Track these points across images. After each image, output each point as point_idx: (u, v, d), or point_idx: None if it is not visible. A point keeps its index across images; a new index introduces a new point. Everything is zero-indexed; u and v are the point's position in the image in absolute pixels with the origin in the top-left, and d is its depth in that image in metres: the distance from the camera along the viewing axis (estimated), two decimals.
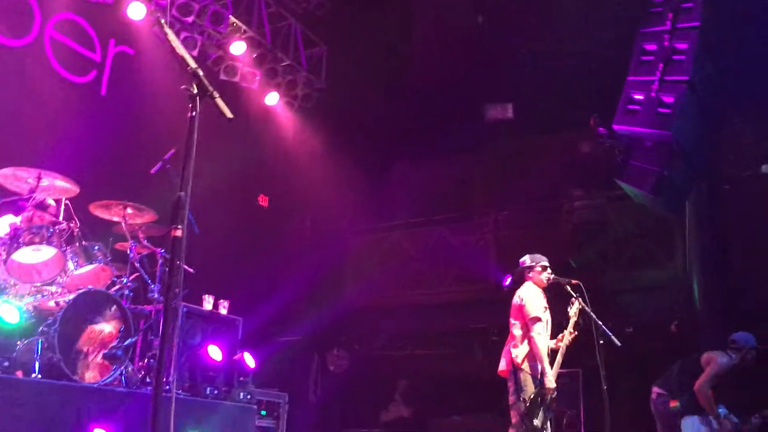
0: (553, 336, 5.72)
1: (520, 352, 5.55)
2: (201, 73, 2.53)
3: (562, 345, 5.57)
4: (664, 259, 8.27)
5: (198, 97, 2.46)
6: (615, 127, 6.44)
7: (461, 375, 7.96)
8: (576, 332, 5.58)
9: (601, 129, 6.73)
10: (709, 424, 5.77)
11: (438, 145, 10.09)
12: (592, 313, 5.54)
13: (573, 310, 5.57)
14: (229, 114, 2.53)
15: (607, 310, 5.68)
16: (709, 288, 7.65)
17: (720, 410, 5.87)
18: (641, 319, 7.78)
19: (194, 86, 2.46)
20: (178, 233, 2.32)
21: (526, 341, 5.54)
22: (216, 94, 2.47)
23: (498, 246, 9.45)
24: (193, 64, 2.51)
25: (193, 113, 2.42)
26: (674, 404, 5.90)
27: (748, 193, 7.90)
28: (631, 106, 6.28)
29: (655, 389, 6.17)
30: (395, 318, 10.16)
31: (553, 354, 5.62)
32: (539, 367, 5.42)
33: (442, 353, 9.78)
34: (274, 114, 9.90)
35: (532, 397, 5.35)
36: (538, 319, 5.50)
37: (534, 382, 5.43)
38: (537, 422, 5.31)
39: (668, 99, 6.15)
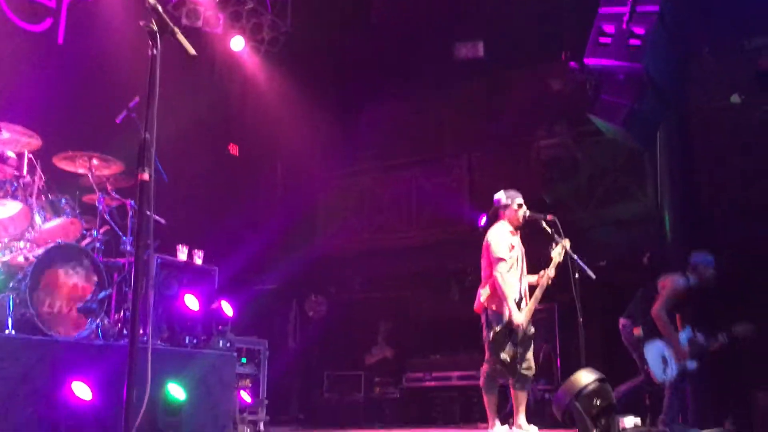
0: (532, 272, 5.78)
1: (485, 291, 5.67)
2: (160, 8, 2.41)
3: (542, 283, 5.61)
4: (636, 193, 8.33)
5: (158, 35, 2.36)
6: (586, 60, 6.38)
7: (439, 315, 8.06)
8: (554, 275, 5.62)
9: (572, 63, 6.66)
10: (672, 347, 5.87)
11: (408, 86, 9.96)
12: (568, 248, 5.58)
13: (556, 251, 5.58)
14: (192, 51, 2.42)
15: (580, 245, 5.72)
16: (679, 220, 7.74)
17: (684, 333, 5.96)
18: (614, 253, 7.87)
19: (154, 23, 2.35)
20: (145, 177, 2.24)
21: (490, 281, 5.63)
22: (177, 30, 2.37)
23: (471, 186, 9.45)
24: None
25: (154, 51, 2.32)
26: (637, 332, 6.00)
27: (717, 125, 7.95)
28: (602, 39, 6.21)
29: (622, 320, 6.27)
30: (371, 262, 10.18)
31: (530, 290, 5.68)
32: (505, 305, 5.49)
33: (419, 295, 9.86)
34: (241, 59, 9.67)
35: (498, 331, 5.44)
36: (502, 260, 5.57)
37: (500, 319, 5.51)
38: (504, 356, 5.40)
39: (639, 31, 6.09)
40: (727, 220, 7.73)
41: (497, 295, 5.55)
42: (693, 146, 7.92)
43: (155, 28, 2.32)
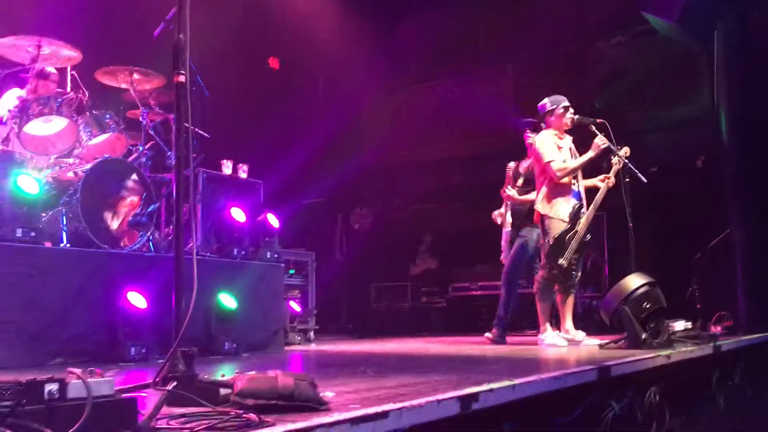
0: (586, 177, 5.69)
1: (539, 197, 5.63)
2: None
3: (602, 189, 5.49)
4: (690, 95, 7.98)
5: None
6: None
7: (484, 226, 7.97)
8: (615, 181, 5.49)
9: None
10: None
11: None
12: (618, 152, 5.42)
13: (616, 158, 5.43)
14: None
15: (631, 149, 5.54)
16: (737, 123, 7.42)
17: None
18: (667, 158, 7.62)
19: None
20: (181, 78, 2.19)
21: (544, 187, 5.54)
22: None
23: (516, 95, 9.19)
24: None
25: None
26: None
27: None
28: None
29: None
30: (414, 174, 10.13)
31: (589, 194, 5.59)
32: (561, 204, 5.44)
33: (463, 206, 9.80)
34: None
35: (557, 236, 5.40)
36: (553, 161, 5.47)
37: (557, 225, 5.45)
38: (562, 261, 5.37)
39: None
40: None
41: (551, 201, 5.48)
42: (753, 44, 7.47)
43: None
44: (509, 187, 6.23)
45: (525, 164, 6.17)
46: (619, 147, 5.48)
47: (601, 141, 5.41)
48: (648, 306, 4.69)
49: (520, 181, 6.18)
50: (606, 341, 4.92)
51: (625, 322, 4.69)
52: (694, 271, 6.85)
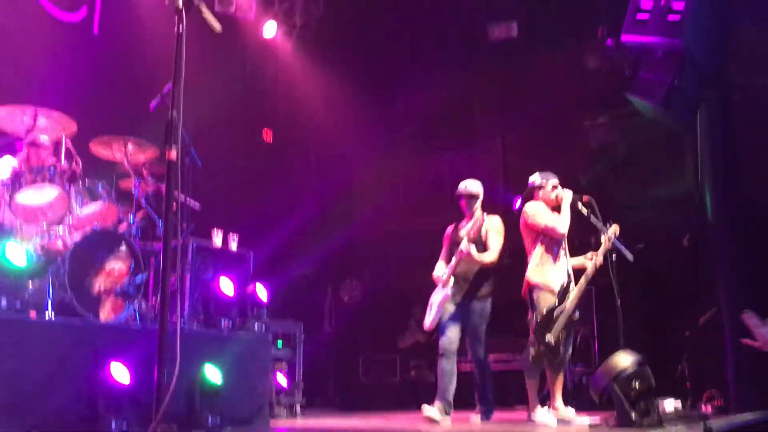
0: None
1: (532, 264, 5.64)
2: None
3: (587, 272, 5.49)
4: (675, 174, 8.14)
5: (184, 11, 2.35)
6: (623, 38, 6.24)
7: None
8: (602, 261, 5.52)
9: (608, 41, 6.51)
10: None
11: (441, 68, 9.85)
12: (607, 231, 5.48)
13: (605, 237, 5.47)
14: (217, 26, 2.42)
15: (617, 226, 5.61)
16: (721, 201, 7.53)
17: None
18: (653, 235, 7.71)
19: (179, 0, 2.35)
20: (173, 155, 2.24)
21: (537, 253, 5.56)
22: (203, 6, 2.36)
23: (505, 168, 9.34)
24: None
25: (180, 29, 2.31)
26: None
27: (760, 102, 7.69)
28: (639, 15, 6.07)
29: None
30: (405, 245, 10.14)
31: (577, 273, 5.60)
32: (553, 273, 5.49)
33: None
34: (273, 45, 9.68)
35: (545, 312, 5.39)
36: (555, 223, 5.54)
37: (547, 298, 5.45)
38: (549, 337, 5.35)
39: (678, 6, 5.93)
40: None
41: (543, 271, 5.49)
42: (735, 125, 7.67)
43: (180, 5, 2.32)
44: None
45: (467, 227, 5.93)
46: (608, 225, 5.54)
47: (611, 234, 5.49)
48: (637, 385, 4.66)
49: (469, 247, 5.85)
50: (595, 420, 4.86)
51: (615, 401, 4.65)
52: (684, 348, 6.84)
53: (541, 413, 5.44)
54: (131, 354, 4.32)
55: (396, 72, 10.26)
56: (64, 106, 5.34)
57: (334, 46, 9.79)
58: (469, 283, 5.81)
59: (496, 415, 5.90)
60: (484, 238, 5.83)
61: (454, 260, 5.74)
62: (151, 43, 7.27)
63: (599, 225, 5.53)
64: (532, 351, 5.49)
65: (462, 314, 5.77)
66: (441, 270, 5.93)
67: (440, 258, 6.08)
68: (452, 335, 5.73)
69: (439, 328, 5.81)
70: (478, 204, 5.99)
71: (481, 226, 5.78)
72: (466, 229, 5.82)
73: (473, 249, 5.65)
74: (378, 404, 8.59)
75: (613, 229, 5.53)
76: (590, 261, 5.53)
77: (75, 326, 4.42)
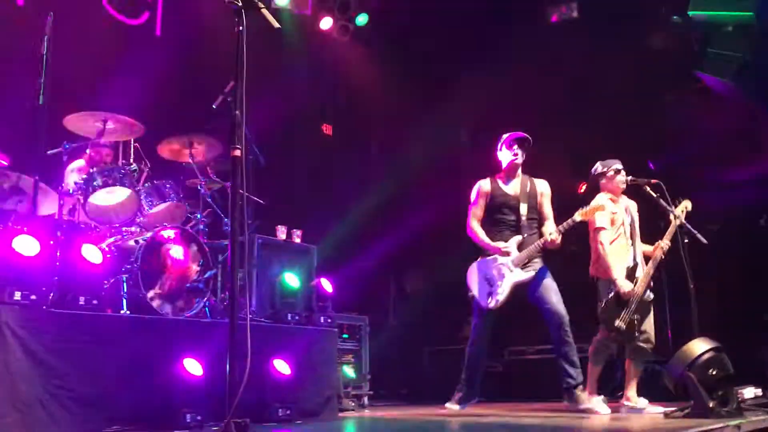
0: (646, 241, 5.57)
1: (594, 258, 5.56)
2: None
3: (655, 255, 5.36)
4: (750, 154, 7.80)
5: (243, 10, 2.37)
6: (690, 13, 6.01)
7: None
8: (670, 244, 5.37)
9: (675, 17, 6.29)
10: None
11: (500, 56, 9.68)
12: (675, 212, 5.33)
13: (679, 210, 5.32)
14: (276, 24, 2.43)
15: (691, 209, 5.42)
16: None
17: None
18: (729, 217, 7.42)
19: None
20: (237, 153, 2.27)
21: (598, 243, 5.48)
22: (261, 5, 2.37)
23: (571, 155, 9.12)
24: None
25: (240, 27, 2.33)
26: None
27: None
28: None
29: None
30: (467, 235, 10.04)
31: (646, 259, 5.47)
32: (609, 273, 5.32)
33: None
34: (331, 40, 9.72)
35: (608, 300, 5.28)
36: (602, 229, 5.41)
37: (607, 287, 5.35)
38: (619, 323, 5.23)
39: None
40: None
41: (602, 265, 5.40)
42: None
43: (240, 4, 2.34)
44: None
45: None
46: (678, 201, 5.39)
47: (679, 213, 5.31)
48: (714, 372, 4.50)
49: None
50: (671, 409, 4.71)
51: (691, 390, 4.50)
52: (763, 333, 6.56)
53: (596, 402, 5.31)
54: (203, 348, 4.42)
55: (455, 61, 10.14)
56: (131, 110, 5.48)
57: (390, 39, 9.76)
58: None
59: (549, 405, 5.76)
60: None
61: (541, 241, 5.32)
62: (213, 42, 7.41)
63: (668, 208, 5.38)
64: (599, 337, 5.41)
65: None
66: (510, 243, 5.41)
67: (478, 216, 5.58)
68: None
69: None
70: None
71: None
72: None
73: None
74: (444, 395, 8.56)
75: (683, 206, 5.37)
76: (658, 251, 5.39)
77: (148, 322, 4.54)
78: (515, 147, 5.46)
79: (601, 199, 5.57)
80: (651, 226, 5.66)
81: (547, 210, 5.45)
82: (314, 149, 9.59)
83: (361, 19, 9.70)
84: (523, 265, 5.28)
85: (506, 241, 5.43)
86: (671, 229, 5.35)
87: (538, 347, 8.59)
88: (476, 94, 9.93)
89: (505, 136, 5.53)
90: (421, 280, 10.36)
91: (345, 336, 7.17)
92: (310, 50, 9.63)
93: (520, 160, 5.46)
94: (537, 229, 5.42)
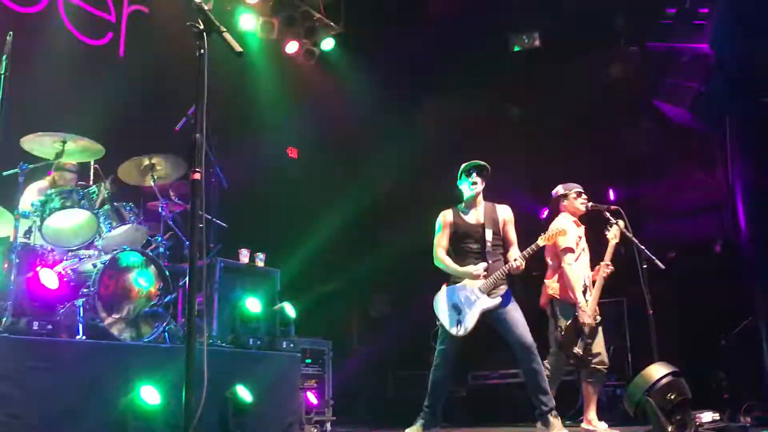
0: (594, 266, 5.65)
1: (553, 283, 5.60)
2: (206, 8, 2.42)
3: (599, 277, 5.47)
4: (705, 180, 8.00)
5: (205, 33, 2.36)
6: (649, 44, 6.18)
7: None
8: (612, 266, 5.47)
9: (633, 48, 6.46)
10: None
11: (464, 80, 9.82)
12: (633, 238, 5.42)
13: (612, 233, 5.45)
14: (238, 48, 2.42)
15: (648, 236, 5.53)
16: (753, 206, 7.40)
17: None
18: (685, 243, 7.57)
19: (200, 22, 2.36)
20: (197, 176, 2.25)
21: (558, 266, 5.54)
22: (223, 29, 2.37)
23: (532, 179, 9.25)
24: None
25: (202, 51, 2.32)
26: None
27: None
28: (664, 21, 6.02)
29: None
30: (432, 260, 10.06)
31: (593, 282, 5.55)
32: (573, 296, 5.38)
33: None
34: (296, 63, 9.75)
35: (568, 325, 5.33)
36: (570, 250, 5.47)
37: (569, 311, 5.40)
38: (577, 349, 5.28)
39: (703, 9, 5.87)
40: None
41: (566, 287, 5.45)
42: (765, 127, 7.54)
43: (201, 27, 2.33)
44: None
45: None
46: (610, 224, 5.50)
47: (613, 236, 5.42)
48: (673, 397, 4.56)
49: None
50: None
51: (650, 414, 4.55)
52: (720, 358, 6.68)
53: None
54: (161, 374, 4.33)
55: (419, 87, 10.26)
56: (92, 131, 5.40)
57: (356, 62, 9.83)
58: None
59: (512, 429, 5.77)
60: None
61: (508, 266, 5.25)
62: (174, 64, 7.37)
63: (627, 234, 5.48)
64: (552, 361, 5.46)
65: None
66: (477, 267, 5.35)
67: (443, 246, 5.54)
68: None
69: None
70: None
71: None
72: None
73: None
74: (408, 420, 8.51)
75: (614, 231, 5.48)
76: (596, 275, 5.50)
77: (105, 348, 4.45)
78: (474, 175, 5.45)
79: (563, 220, 5.63)
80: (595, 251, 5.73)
81: (511, 235, 5.48)
82: (279, 172, 9.55)
83: (327, 45, 9.76)
84: (489, 292, 5.29)
85: None
86: (610, 246, 5.45)
87: (501, 371, 8.61)
88: (439, 120, 10.05)
89: (463, 165, 5.55)
90: (386, 305, 10.33)
91: (308, 361, 7.10)
92: (275, 73, 9.63)
93: (480, 188, 5.46)
94: (501, 255, 5.43)
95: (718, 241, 7.56)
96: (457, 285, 5.39)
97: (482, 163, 5.49)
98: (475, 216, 5.48)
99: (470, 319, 5.26)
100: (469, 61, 9.61)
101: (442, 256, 5.51)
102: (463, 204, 5.56)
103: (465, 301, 5.33)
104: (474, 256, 5.38)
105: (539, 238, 5.25)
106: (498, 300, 5.25)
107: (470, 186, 5.44)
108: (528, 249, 5.25)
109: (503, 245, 5.46)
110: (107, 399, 4.17)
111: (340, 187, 10.66)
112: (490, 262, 5.32)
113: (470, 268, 5.33)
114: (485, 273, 5.26)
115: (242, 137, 8.50)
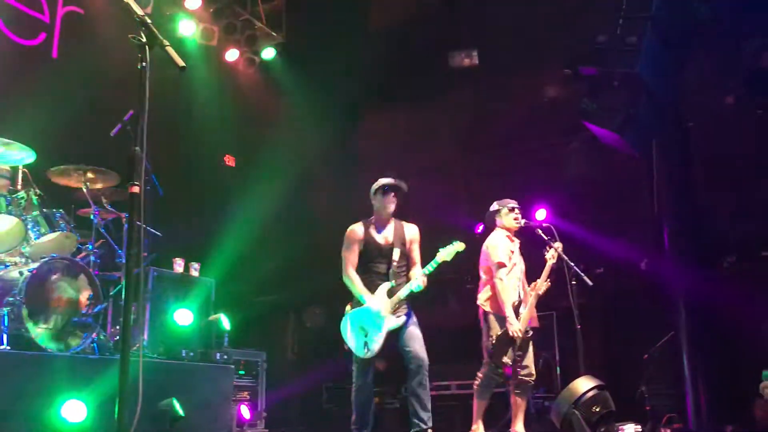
0: (530, 281, 5.79)
1: (484, 295, 5.71)
2: (149, 21, 2.41)
3: (534, 293, 5.62)
4: (632, 199, 8.31)
5: (147, 47, 2.34)
6: (580, 68, 6.41)
7: (437, 324, 7.99)
8: (550, 282, 5.63)
9: (566, 71, 6.68)
10: None
11: (404, 94, 9.94)
12: (564, 255, 5.59)
13: (550, 254, 5.61)
14: (180, 63, 2.41)
15: (577, 252, 5.72)
16: (677, 225, 7.73)
17: None
18: (612, 260, 7.84)
19: (142, 35, 2.34)
20: (135, 189, 2.23)
21: (489, 285, 5.65)
22: (166, 43, 2.36)
23: (468, 194, 9.43)
24: (140, 11, 2.38)
25: (143, 64, 2.31)
26: None
27: (713, 128, 7.93)
28: (596, 46, 6.26)
29: None
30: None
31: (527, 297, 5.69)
32: (504, 311, 5.50)
33: (416, 303, 9.80)
34: (236, 72, 9.68)
35: (499, 335, 5.45)
36: (502, 264, 5.59)
37: (501, 323, 5.53)
38: (506, 360, 5.40)
39: (632, 36, 6.13)
40: (725, 223, 7.71)
41: (497, 300, 5.56)
42: (690, 151, 7.90)
43: (144, 40, 2.31)
44: None
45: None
46: (549, 245, 5.67)
47: (551, 257, 5.58)
48: (598, 409, 4.73)
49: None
50: None
51: (576, 426, 4.70)
52: (642, 372, 6.94)
53: None
54: (89, 388, 4.23)
55: (359, 99, 10.32)
56: (22, 135, 5.24)
57: (297, 72, 9.83)
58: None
59: None
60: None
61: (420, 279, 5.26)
62: (110, 69, 7.22)
63: (561, 253, 5.65)
64: (484, 372, 5.57)
65: None
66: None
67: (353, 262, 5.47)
68: None
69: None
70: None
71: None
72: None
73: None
74: None
75: (555, 247, 5.66)
76: (532, 291, 5.65)
77: (30, 359, 4.31)
78: (388, 194, 5.45)
79: (498, 236, 5.77)
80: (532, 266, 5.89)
81: (416, 255, 5.48)
82: (216, 180, 9.44)
83: (268, 54, 9.72)
84: (394, 311, 5.33)
85: (377, 288, 5.40)
86: (547, 266, 5.62)
87: (434, 383, 8.69)
88: (378, 133, 10.13)
89: (379, 181, 5.56)
90: (321, 316, 10.30)
91: (241, 372, 7.03)
92: (214, 80, 9.54)
93: (391, 208, 5.44)
94: (405, 274, 5.47)
95: (643, 259, 7.85)
96: (363, 307, 5.40)
97: (396, 182, 5.47)
98: (385, 235, 5.47)
99: (378, 340, 5.28)
100: (411, 75, 9.74)
101: (352, 276, 5.47)
102: (374, 219, 5.53)
103: (371, 322, 5.34)
104: (379, 277, 5.39)
105: (438, 254, 5.29)
106: (403, 319, 5.30)
107: (384, 204, 5.41)
108: (427, 266, 5.28)
109: (407, 264, 5.48)
110: (32, 412, 4.04)
111: (278, 196, 10.61)
112: (394, 281, 5.35)
113: (367, 297, 5.33)
114: (390, 292, 5.29)
115: (179, 144, 8.38)
